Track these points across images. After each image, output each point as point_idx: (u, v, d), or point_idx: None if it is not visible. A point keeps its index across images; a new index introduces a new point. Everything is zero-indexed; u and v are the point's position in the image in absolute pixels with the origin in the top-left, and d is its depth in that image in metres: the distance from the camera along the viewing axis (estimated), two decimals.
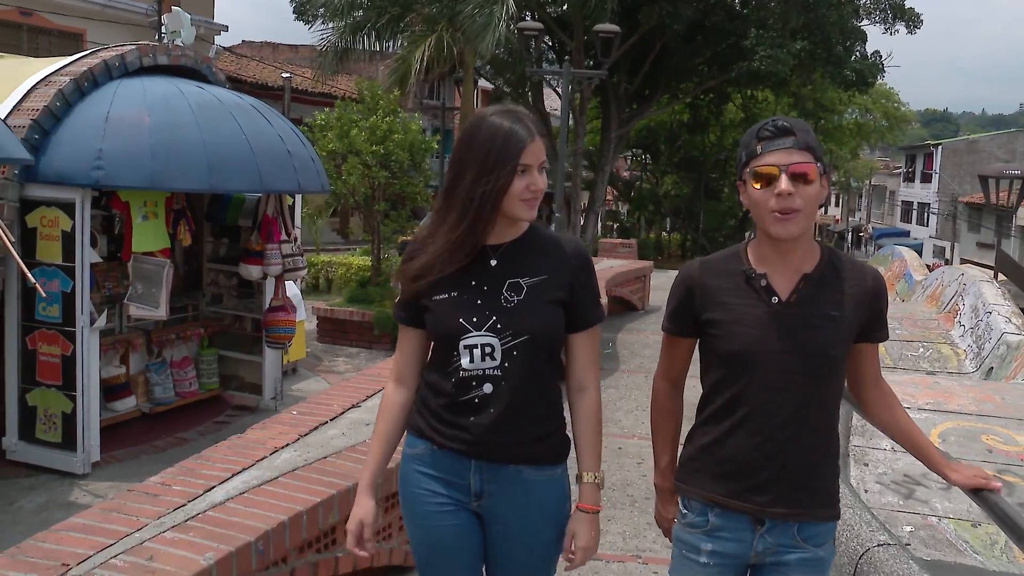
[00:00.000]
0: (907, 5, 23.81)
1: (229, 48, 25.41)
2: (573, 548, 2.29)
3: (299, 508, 3.09)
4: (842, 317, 2.13)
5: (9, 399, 6.66)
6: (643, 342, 10.76)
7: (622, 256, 15.94)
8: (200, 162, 6.43)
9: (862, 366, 2.27)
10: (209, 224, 8.43)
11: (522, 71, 22.57)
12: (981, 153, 44.11)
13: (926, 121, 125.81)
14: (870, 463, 4.73)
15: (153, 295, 6.84)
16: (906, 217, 53.26)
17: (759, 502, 2.15)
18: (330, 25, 20.91)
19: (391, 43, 21.18)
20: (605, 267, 12.51)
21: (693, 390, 2.35)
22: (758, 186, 2.08)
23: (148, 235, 6.82)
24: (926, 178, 49.15)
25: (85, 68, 6.65)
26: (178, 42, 7.83)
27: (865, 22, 24.08)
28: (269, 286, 7.90)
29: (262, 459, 3.54)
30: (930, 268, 14.54)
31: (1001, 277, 16.10)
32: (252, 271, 7.62)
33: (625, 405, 7.71)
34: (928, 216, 47.87)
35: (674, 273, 3.09)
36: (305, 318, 10.22)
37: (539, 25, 17.35)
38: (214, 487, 3.22)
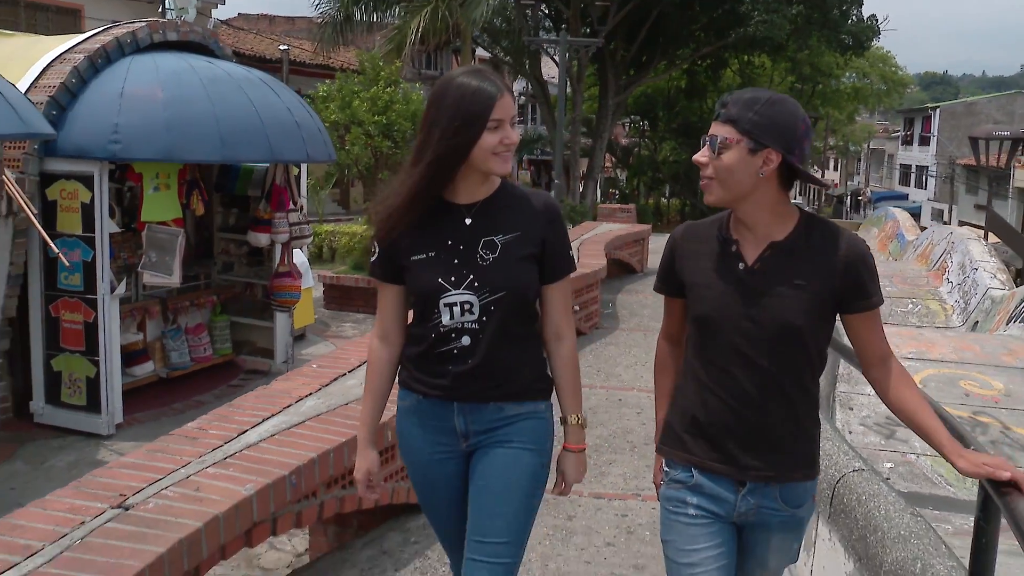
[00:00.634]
0: None
1: (226, 21, 25.51)
2: (564, 484, 2.48)
3: (326, 447, 3.40)
4: (808, 286, 2.12)
5: (35, 365, 6.95)
6: (641, 302, 11.06)
7: (621, 220, 16.21)
8: (212, 134, 6.67)
9: (859, 340, 2.24)
10: (219, 195, 8.69)
11: (520, 40, 22.67)
12: (979, 116, 43.96)
13: (925, 84, 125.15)
14: (855, 407, 5.03)
15: (167, 263, 7.10)
16: (905, 180, 53.32)
17: (738, 464, 2.20)
18: None
19: (388, 12, 21.26)
20: (604, 231, 12.78)
21: None
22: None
23: (159, 205, 7.08)
24: (924, 141, 49.14)
25: (99, 45, 6.88)
26: (185, 18, 8.06)
27: None
28: (275, 254, 8.17)
29: (288, 406, 3.84)
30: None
31: (992, 238, 16.35)
32: (260, 238, 7.90)
33: (624, 361, 8.03)
34: (926, 179, 47.89)
35: None
36: (312, 285, 10.49)
37: None
38: (247, 430, 3.53)
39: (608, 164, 38.00)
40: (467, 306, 2.30)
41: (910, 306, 8.68)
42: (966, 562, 2.41)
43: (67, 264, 6.47)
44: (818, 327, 2.16)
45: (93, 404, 6.81)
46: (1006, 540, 2.26)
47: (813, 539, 3.48)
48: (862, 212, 59.18)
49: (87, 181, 6.55)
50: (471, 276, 2.29)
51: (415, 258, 2.32)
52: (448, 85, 2.26)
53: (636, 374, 7.56)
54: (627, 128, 41.86)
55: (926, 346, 5.91)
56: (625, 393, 6.99)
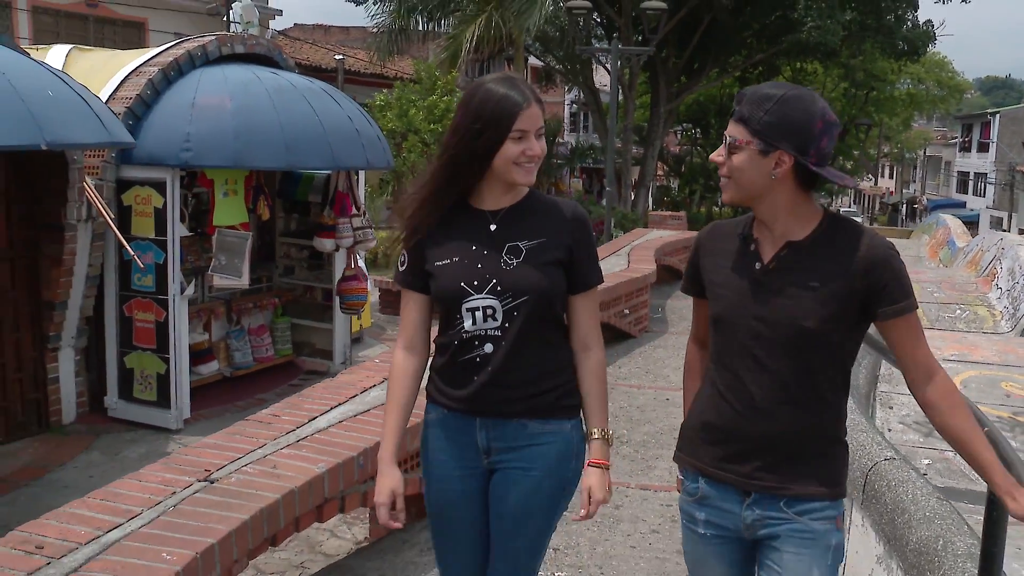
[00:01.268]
0: None
1: (282, 31, 26.07)
2: (590, 502, 2.35)
3: None
4: (823, 288, 2.03)
5: (109, 362, 7.34)
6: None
7: (671, 227, 16.35)
8: (278, 142, 7.02)
9: (897, 351, 2.10)
10: (280, 200, 9.05)
11: (572, 48, 22.89)
12: None
13: (987, 89, 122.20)
14: (894, 406, 5.18)
15: (236, 265, 7.45)
16: (962, 188, 52.56)
17: (741, 472, 2.12)
18: (385, 8, 21.34)
19: (443, 22, 21.59)
20: (654, 237, 12.94)
21: None
22: None
23: (229, 210, 7.44)
24: (983, 147, 48.39)
25: (171, 59, 7.27)
26: (251, 31, 8.43)
27: None
28: (340, 258, 8.50)
29: (354, 396, 4.12)
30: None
31: None
32: (326, 244, 8.24)
33: (672, 363, 8.22)
34: (984, 187, 47.16)
35: None
36: (370, 290, 10.81)
37: (587, 4, 17.67)
38: (316, 417, 3.81)
39: (660, 172, 38.00)
40: (489, 311, 2.28)
41: (958, 312, 8.74)
42: None
43: (141, 266, 6.86)
44: (835, 331, 2.06)
45: (163, 399, 7.17)
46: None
47: (848, 526, 3.66)
48: (918, 220, 58.30)
49: (160, 187, 6.92)
50: (494, 280, 2.28)
51: (439, 263, 2.31)
52: (476, 89, 2.26)
53: None
54: (679, 136, 41.83)
55: (968, 348, 6.02)
56: (673, 393, 7.17)
